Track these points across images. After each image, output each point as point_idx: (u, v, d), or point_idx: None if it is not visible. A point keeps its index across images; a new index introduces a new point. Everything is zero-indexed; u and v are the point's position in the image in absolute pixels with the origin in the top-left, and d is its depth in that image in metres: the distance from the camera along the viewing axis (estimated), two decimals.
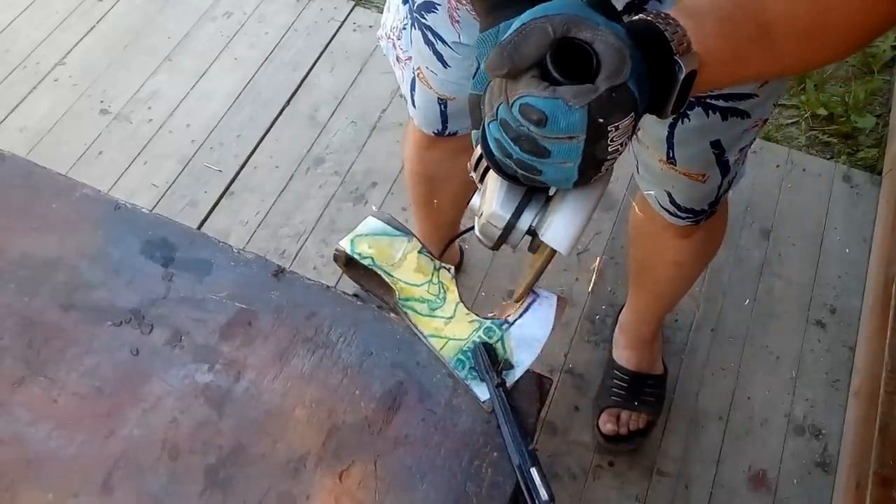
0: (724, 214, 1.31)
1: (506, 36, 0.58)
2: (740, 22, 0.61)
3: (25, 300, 0.85)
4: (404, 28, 1.09)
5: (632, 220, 1.40)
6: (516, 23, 0.58)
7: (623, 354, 1.65)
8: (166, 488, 0.75)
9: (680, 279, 1.46)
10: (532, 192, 0.69)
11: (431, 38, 1.04)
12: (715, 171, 1.07)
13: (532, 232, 0.70)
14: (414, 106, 1.21)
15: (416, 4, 1.03)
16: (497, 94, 0.59)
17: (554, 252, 0.71)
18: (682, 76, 0.58)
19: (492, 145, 0.62)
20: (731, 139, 1.02)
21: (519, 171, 0.61)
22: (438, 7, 1.00)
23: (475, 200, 0.73)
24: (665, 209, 1.18)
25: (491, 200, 0.69)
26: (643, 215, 1.29)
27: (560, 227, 0.68)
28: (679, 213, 1.17)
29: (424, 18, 1.03)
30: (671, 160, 1.05)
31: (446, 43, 1.03)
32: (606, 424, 1.59)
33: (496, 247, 0.72)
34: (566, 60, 0.57)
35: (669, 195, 1.14)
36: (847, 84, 2.17)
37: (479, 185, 0.72)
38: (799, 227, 1.94)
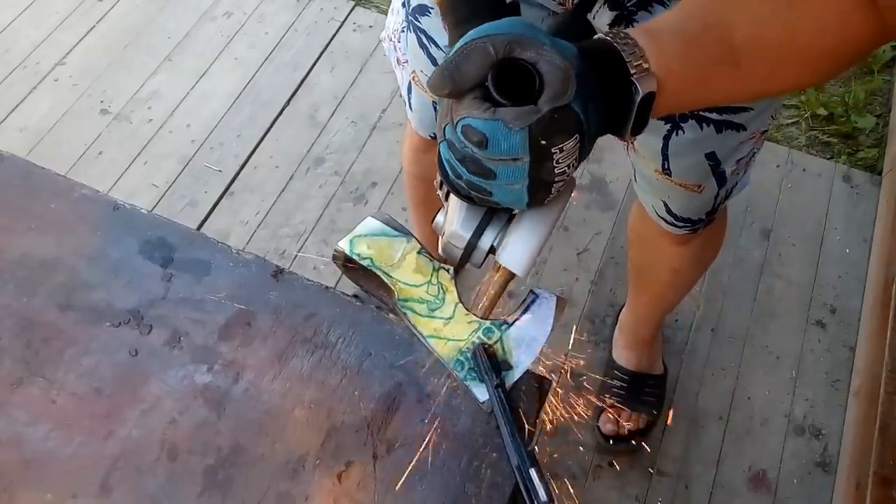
0: (723, 222, 1.31)
1: (448, 55, 0.57)
2: (706, 44, 0.59)
3: (24, 300, 0.85)
4: (402, 31, 1.09)
5: (630, 225, 1.40)
6: (459, 42, 0.57)
7: (623, 355, 1.65)
8: (165, 489, 0.74)
9: (677, 285, 1.46)
10: (493, 212, 0.69)
11: (426, 41, 1.04)
12: (711, 182, 1.07)
13: (494, 251, 0.69)
14: (411, 109, 1.22)
15: (411, 7, 1.03)
16: (444, 114, 0.58)
17: (512, 273, 0.70)
18: (638, 98, 0.57)
19: (445, 166, 0.61)
20: (726, 151, 1.02)
21: (471, 192, 0.61)
22: (431, 10, 1.00)
23: (439, 219, 0.73)
24: (662, 218, 1.18)
25: (452, 220, 0.69)
26: (641, 221, 1.29)
27: (516, 249, 0.68)
28: (676, 223, 1.17)
29: (419, 21, 1.03)
30: (667, 171, 1.05)
31: (439, 46, 1.03)
32: (606, 424, 1.59)
33: (459, 266, 0.72)
34: (510, 81, 0.55)
35: (665, 205, 1.14)
36: (847, 84, 2.17)
37: (443, 204, 0.72)
38: (799, 227, 1.94)
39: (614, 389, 1.62)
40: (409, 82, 1.15)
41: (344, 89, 2.14)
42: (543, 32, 0.57)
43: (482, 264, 0.71)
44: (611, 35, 0.58)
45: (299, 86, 2.14)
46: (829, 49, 0.61)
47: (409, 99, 1.19)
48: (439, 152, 0.62)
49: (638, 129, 0.60)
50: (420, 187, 1.48)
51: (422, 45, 1.05)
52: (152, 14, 2.29)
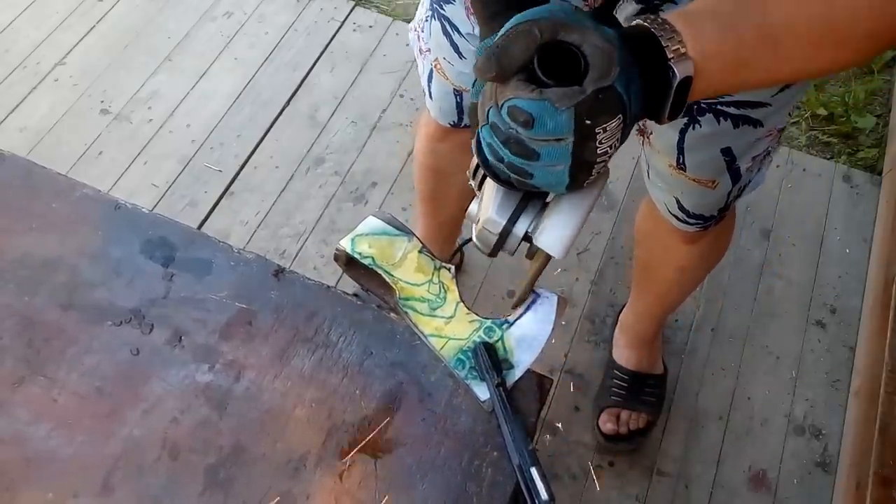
0: (732, 221, 1.31)
1: (494, 39, 0.58)
2: (742, 26, 0.60)
3: (25, 300, 0.85)
4: (426, 20, 1.11)
5: (638, 223, 1.40)
6: (506, 25, 0.58)
7: (623, 354, 1.65)
8: (166, 488, 0.74)
9: (683, 284, 1.46)
10: (528, 198, 0.69)
11: (449, 28, 1.05)
12: (725, 178, 1.07)
13: (528, 238, 0.70)
14: (430, 97, 1.23)
15: None
16: (488, 98, 0.59)
17: (549, 257, 0.71)
18: (675, 82, 0.58)
19: (485, 150, 0.62)
20: (742, 147, 1.02)
21: (511, 175, 0.62)
22: None
23: (472, 207, 0.73)
24: (674, 215, 1.18)
25: (487, 207, 0.69)
26: (650, 220, 1.29)
27: (554, 232, 0.68)
28: (688, 220, 1.17)
29: (443, 9, 1.04)
30: (681, 166, 1.05)
31: (462, 34, 1.04)
32: (606, 424, 1.59)
33: (493, 253, 0.72)
34: (555, 63, 0.57)
35: (678, 201, 1.14)
36: (847, 84, 2.17)
37: (476, 193, 0.73)
38: (799, 227, 1.94)
39: (614, 389, 1.62)
40: (431, 70, 1.17)
41: (344, 89, 2.14)
42: (587, 15, 0.58)
43: (515, 251, 0.72)
44: (648, 20, 0.59)
45: (299, 86, 2.15)
46: (869, 27, 0.60)
47: (430, 87, 1.21)
48: (479, 137, 0.63)
49: (675, 113, 0.61)
50: (431, 179, 1.48)
51: (445, 33, 1.06)
52: (152, 14, 2.29)
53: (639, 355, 1.63)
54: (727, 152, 1.02)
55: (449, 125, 1.25)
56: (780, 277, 1.87)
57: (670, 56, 0.58)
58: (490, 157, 0.62)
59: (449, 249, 1.68)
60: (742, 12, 0.60)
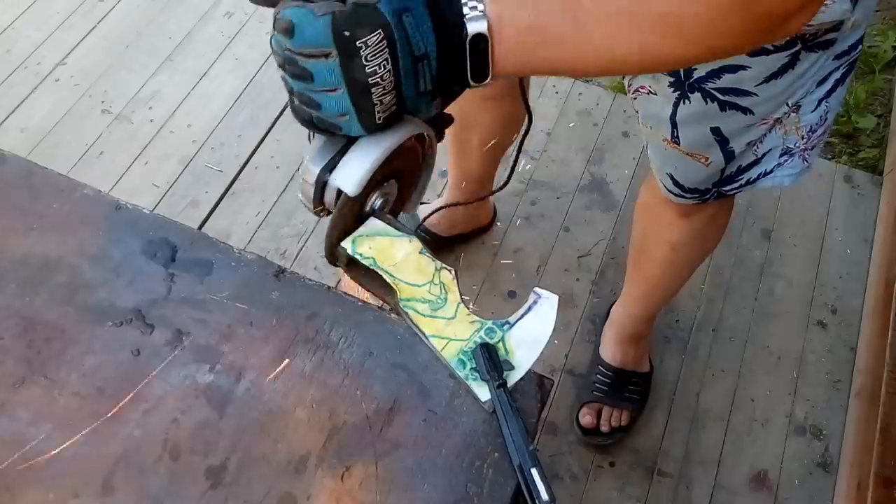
0: (729, 208, 1.33)
1: None
2: None
3: (26, 300, 0.85)
4: None
5: (638, 201, 1.42)
6: None
7: (609, 350, 1.65)
8: (167, 489, 0.74)
9: (675, 265, 1.45)
10: (345, 149, 0.70)
11: None
12: (718, 156, 1.09)
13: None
14: None
15: None
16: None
17: (347, 199, 0.72)
18: (467, 38, 0.60)
19: (286, 88, 0.65)
20: (733, 130, 1.04)
21: (303, 107, 0.64)
22: None
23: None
24: (670, 191, 1.20)
25: (304, 157, 0.70)
26: (648, 194, 1.33)
27: (347, 169, 0.69)
28: (684, 194, 1.19)
29: None
30: (675, 139, 1.08)
31: None
32: (585, 417, 1.60)
33: (316, 208, 0.73)
34: None
35: (672, 177, 1.17)
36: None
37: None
38: (800, 228, 1.94)
39: (597, 385, 1.63)
40: None
41: None
42: None
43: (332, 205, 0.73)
44: None
45: None
46: (697, 13, 0.57)
47: None
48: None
49: (479, 76, 0.63)
50: (453, 132, 1.52)
51: None
52: (153, 14, 2.29)
53: (625, 352, 1.63)
54: (717, 132, 1.04)
55: None
56: (781, 277, 1.86)
57: (465, 13, 0.60)
58: (288, 93, 0.65)
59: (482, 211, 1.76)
60: None
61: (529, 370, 0.80)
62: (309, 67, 0.60)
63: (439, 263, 0.85)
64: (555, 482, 1.58)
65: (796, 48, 0.93)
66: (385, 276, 0.83)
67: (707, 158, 1.10)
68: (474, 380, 0.80)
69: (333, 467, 0.76)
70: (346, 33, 0.57)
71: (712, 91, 0.99)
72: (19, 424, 0.77)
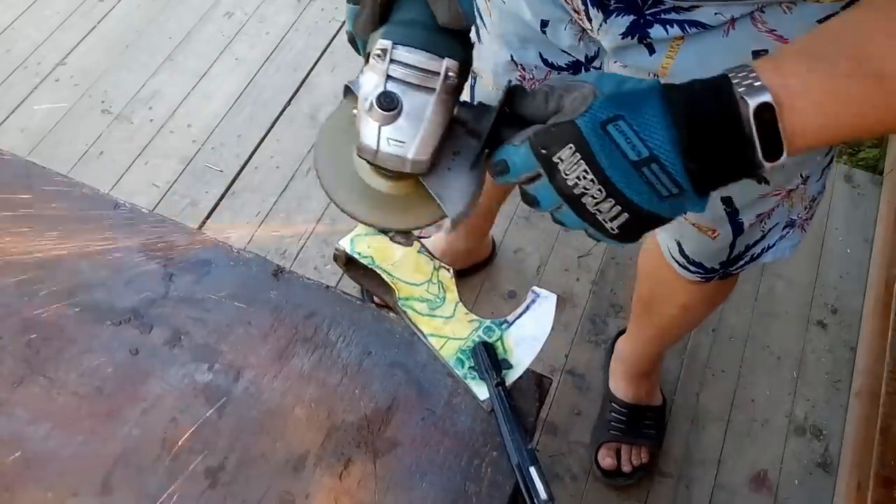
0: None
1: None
2: (831, 57, 0.56)
3: (25, 300, 0.85)
4: None
5: (640, 262, 1.38)
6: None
7: (620, 386, 1.61)
8: (165, 488, 0.74)
9: (686, 320, 1.42)
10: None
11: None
12: (726, 229, 1.04)
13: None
14: None
15: None
16: None
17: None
18: (750, 111, 0.55)
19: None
20: (745, 200, 0.99)
21: (560, 226, 0.65)
22: None
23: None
24: (675, 260, 1.16)
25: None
26: (653, 259, 1.26)
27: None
28: (689, 267, 1.15)
29: None
30: None
31: (480, 16, 1.05)
32: (605, 459, 1.57)
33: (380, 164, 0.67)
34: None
35: (679, 245, 1.12)
36: None
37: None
38: None
39: (613, 423, 1.59)
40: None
41: None
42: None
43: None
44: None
45: (300, 86, 2.15)
46: None
47: None
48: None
49: (770, 152, 0.57)
50: None
51: None
52: (153, 14, 2.29)
53: (636, 387, 1.60)
54: (728, 202, 1.00)
55: None
56: (782, 278, 1.86)
57: (740, 90, 0.55)
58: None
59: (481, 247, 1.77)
60: (832, 45, 0.57)
61: (528, 369, 0.80)
62: (532, 193, 0.62)
63: (438, 262, 0.85)
64: (555, 482, 1.58)
65: None
66: (383, 275, 0.83)
67: (714, 231, 1.04)
68: (473, 379, 0.80)
69: (332, 466, 0.76)
70: (544, 151, 0.59)
71: None
72: (18, 424, 0.77)
